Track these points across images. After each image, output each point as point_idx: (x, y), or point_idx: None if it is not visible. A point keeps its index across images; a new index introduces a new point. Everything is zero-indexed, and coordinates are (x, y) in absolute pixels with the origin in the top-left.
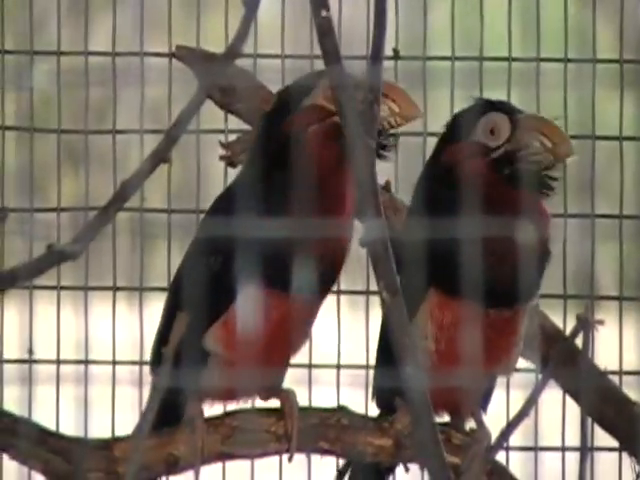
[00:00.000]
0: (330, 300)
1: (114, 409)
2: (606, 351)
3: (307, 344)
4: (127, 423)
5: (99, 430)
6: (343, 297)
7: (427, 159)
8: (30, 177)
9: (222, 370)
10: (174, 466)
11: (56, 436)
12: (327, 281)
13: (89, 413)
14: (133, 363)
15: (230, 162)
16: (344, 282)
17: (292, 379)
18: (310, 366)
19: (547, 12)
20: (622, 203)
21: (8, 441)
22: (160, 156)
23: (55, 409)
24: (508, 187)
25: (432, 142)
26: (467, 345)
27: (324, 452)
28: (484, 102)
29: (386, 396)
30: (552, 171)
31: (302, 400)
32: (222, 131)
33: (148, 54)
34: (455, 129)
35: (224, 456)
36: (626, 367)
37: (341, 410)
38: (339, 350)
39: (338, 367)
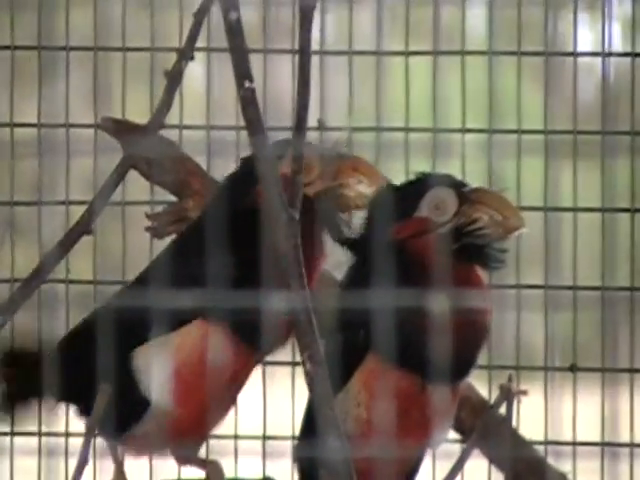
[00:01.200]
0: (256, 371)
1: None
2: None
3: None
4: None
5: None
6: (268, 367)
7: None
8: None
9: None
10: None
11: None
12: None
13: None
14: None
15: (156, 233)
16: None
17: (217, 449)
18: (235, 437)
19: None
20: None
21: None
22: (82, 228)
23: None
24: (455, 262)
25: None
26: (399, 417)
27: None
28: (428, 176)
29: (310, 468)
30: (502, 244)
31: (228, 471)
32: (148, 202)
33: (75, 125)
34: (399, 205)
35: None
36: (556, 437)
37: None
38: (264, 421)
39: (264, 438)
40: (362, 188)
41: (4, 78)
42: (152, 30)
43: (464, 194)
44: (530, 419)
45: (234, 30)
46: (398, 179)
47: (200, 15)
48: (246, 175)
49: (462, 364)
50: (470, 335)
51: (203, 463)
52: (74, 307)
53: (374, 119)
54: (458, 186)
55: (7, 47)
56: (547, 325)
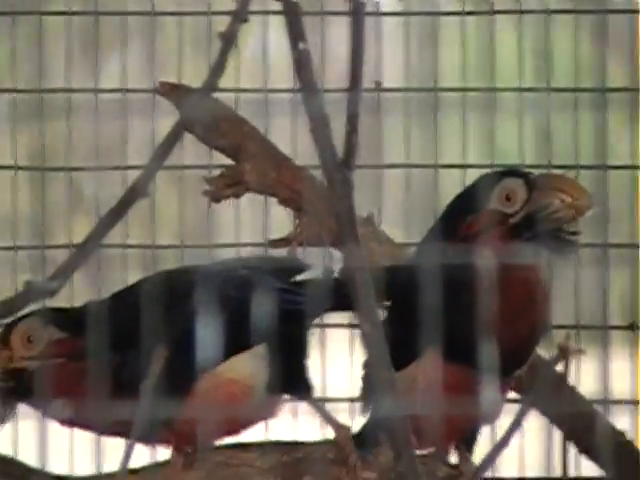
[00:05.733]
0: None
1: None
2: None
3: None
4: None
5: None
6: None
7: (435, 229)
8: (42, 216)
9: None
10: None
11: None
12: None
13: None
14: None
15: (213, 197)
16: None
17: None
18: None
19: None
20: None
21: None
22: (138, 192)
23: None
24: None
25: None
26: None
27: None
28: (496, 171)
29: (371, 430)
30: (572, 226)
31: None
32: (205, 166)
33: (131, 90)
34: (470, 200)
35: None
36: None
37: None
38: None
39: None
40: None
41: (87, 47)
42: None
43: (532, 181)
44: (589, 378)
45: None
46: (455, 140)
47: None
48: (459, 207)
49: (516, 362)
50: (526, 336)
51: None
52: (132, 272)
53: (430, 80)
54: (526, 175)
55: (63, 13)
56: (606, 283)
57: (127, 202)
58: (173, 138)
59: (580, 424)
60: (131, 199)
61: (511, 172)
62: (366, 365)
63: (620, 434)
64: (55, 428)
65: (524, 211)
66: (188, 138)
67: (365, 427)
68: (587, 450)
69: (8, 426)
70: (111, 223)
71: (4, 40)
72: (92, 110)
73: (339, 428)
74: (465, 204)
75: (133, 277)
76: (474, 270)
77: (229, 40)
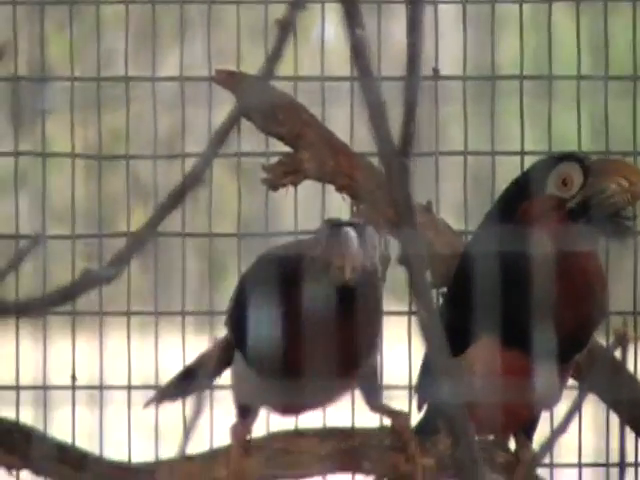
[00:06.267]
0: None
1: None
2: None
3: None
4: None
5: None
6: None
7: (492, 214)
8: (99, 205)
9: None
10: None
11: (102, 461)
12: None
13: None
14: None
15: (271, 185)
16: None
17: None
18: None
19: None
20: None
21: (57, 469)
22: (195, 179)
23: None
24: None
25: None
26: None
27: (368, 473)
28: (552, 156)
29: (430, 416)
30: (629, 211)
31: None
32: (263, 154)
33: (191, 79)
34: (526, 186)
35: (270, 478)
36: None
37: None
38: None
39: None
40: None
41: (146, 39)
42: None
43: (588, 166)
44: None
45: None
46: (513, 127)
47: None
48: (516, 193)
49: (574, 347)
50: (587, 320)
51: (391, 413)
52: (189, 260)
53: (488, 68)
54: (582, 159)
55: (121, 1)
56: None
57: (184, 190)
58: (230, 126)
59: (638, 410)
60: (188, 187)
61: (567, 156)
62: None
63: None
64: (111, 415)
65: (580, 195)
66: (246, 125)
67: (424, 414)
68: None
69: (65, 412)
70: (168, 211)
71: (63, 30)
72: (150, 99)
73: (397, 415)
74: (522, 189)
75: (190, 265)
76: (532, 256)
77: (286, 28)
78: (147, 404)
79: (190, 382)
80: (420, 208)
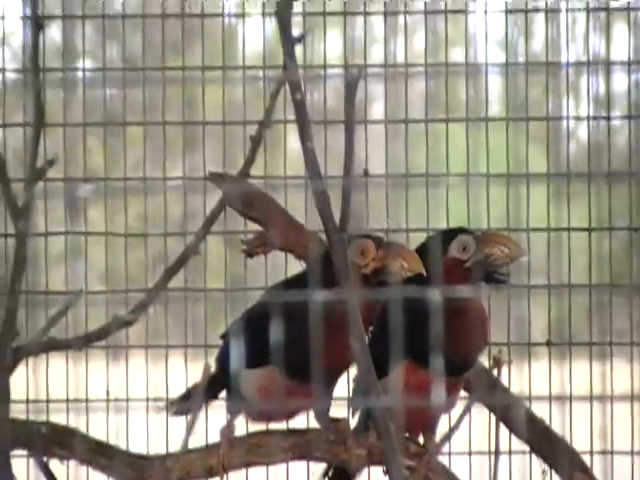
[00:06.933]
0: None
1: None
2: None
3: None
4: None
5: None
6: None
7: None
8: (126, 269)
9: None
10: (210, 474)
11: (127, 453)
12: None
13: None
14: None
15: (248, 254)
16: None
17: None
18: None
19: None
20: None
21: (95, 459)
22: (192, 250)
23: None
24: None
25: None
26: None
27: (318, 460)
28: (452, 229)
29: (362, 420)
30: (504, 269)
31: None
32: (243, 232)
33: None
34: (434, 247)
35: (248, 465)
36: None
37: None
38: None
39: None
40: (402, 269)
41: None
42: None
43: (478, 237)
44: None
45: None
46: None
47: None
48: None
49: (464, 367)
50: (473, 346)
51: (332, 420)
52: (190, 307)
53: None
54: (472, 232)
55: None
56: (530, 313)
57: (184, 258)
58: (218, 212)
59: (508, 413)
60: (186, 256)
61: (463, 230)
62: (357, 376)
63: (536, 418)
64: (134, 420)
65: (475, 258)
66: (230, 212)
67: (358, 419)
68: (512, 428)
69: (101, 418)
70: (174, 273)
71: (101, 143)
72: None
73: (339, 420)
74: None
75: (191, 311)
76: (435, 301)
77: (257, 142)
78: (158, 411)
79: (188, 404)
80: None
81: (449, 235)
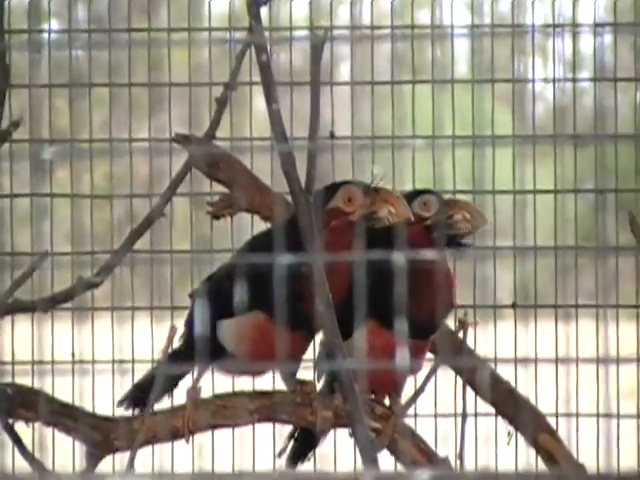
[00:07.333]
0: None
1: None
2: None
3: None
4: None
5: None
6: None
7: None
8: (91, 231)
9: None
10: (176, 435)
11: (92, 415)
12: None
13: None
14: None
15: (214, 215)
16: None
17: None
18: None
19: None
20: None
21: (61, 421)
22: (157, 213)
23: None
24: (435, 246)
25: None
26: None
27: (284, 422)
28: (416, 190)
29: (328, 382)
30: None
31: None
32: (208, 193)
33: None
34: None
35: (214, 426)
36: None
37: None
38: None
39: None
40: (390, 215)
41: None
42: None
43: (444, 200)
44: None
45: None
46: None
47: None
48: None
49: (429, 329)
50: (439, 308)
51: (298, 382)
52: (156, 270)
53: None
54: (439, 194)
55: None
56: (495, 275)
57: (150, 220)
58: (184, 174)
59: (474, 375)
60: (152, 218)
61: (428, 191)
62: (323, 338)
63: (501, 379)
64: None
65: (436, 218)
66: (196, 173)
67: (324, 381)
68: (477, 390)
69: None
70: (139, 235)
71: (67, 104)
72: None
73: (306, 382)
74: None
75: (157, 273)
76: (400, 262)
77: (223, 104)
78: (120, 404)
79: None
80: None
81: (412, 194)
